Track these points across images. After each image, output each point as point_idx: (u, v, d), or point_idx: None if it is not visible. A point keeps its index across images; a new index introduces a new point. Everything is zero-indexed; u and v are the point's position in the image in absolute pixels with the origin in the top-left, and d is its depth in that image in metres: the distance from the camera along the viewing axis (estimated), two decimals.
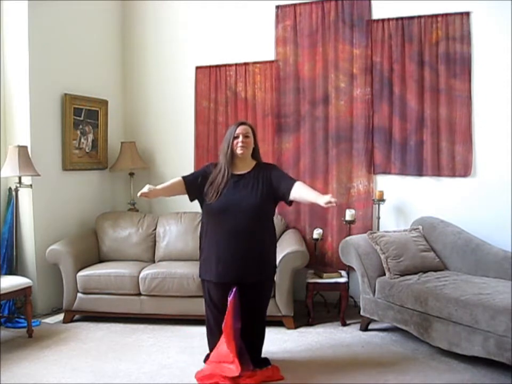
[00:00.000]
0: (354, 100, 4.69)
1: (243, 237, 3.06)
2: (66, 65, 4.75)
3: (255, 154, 3.28)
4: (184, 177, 3.25)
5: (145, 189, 3.05)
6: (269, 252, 3.24)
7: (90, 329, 4.13)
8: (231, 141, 3.17)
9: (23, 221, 4.46)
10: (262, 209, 3.12)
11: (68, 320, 4.31)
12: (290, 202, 3.21)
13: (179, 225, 4.73)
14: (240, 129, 3.18)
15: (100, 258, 4.70)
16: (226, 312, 3.05)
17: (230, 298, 3.08)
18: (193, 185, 3.21)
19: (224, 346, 3.03)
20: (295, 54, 4.83)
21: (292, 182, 3.14)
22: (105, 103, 5.16)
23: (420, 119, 4.48)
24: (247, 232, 3.06)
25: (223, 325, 3.05)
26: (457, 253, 3.97)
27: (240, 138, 3.16)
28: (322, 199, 2.90)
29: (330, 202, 2.84)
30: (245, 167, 3.22)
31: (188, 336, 3.94)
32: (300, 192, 3.09)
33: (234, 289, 3.09)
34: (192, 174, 3.32)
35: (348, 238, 4.18)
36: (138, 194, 3.04)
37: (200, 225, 3.33)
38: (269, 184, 3.15)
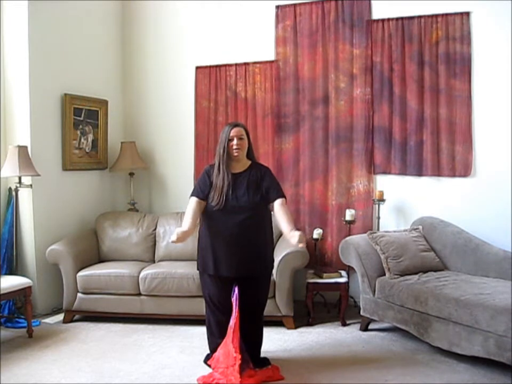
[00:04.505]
0: (354, 100, 4.68)
1: (241, 233, 3.10)
2: (66, 65, 4.75)
3: (250, 153, 3.32)
4: (198, 197, 3.21)
5: (174, 237, 2.94)
6: (266, 246, 3.27)
7: (90, 329, 4.14)
8: (226, 143, 3.20)
9: (23, 221, 4.46)
10: (258, 206, 3.17)
11: (68, 320, 4.31)
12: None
13: (179, 225, 4.70)
14: (234, 132, 3.20)
15: (100, 258, 4.70)
16: (235, 316, 3.03)
17: (233, 300, 3.08)
18: (206, 198, 3.21)
19: (231, 349, 3.02)
20: (295, 54, 4.83)
21: (276, 197, 3.20)
22: (105, 103, 5.16)
23: (420, 119, 4.48)
24: (245, 228, 3.11)
25: (232, 328, 3.02)
26: (457, 253, 3.97)
27: (235, 141, 3.19)
28: (293, 238, 2.93)
29: (299, 244, 2.90)
30: (240, 166, 3.27)
31: (188, 336, 3.94)
32: (276, 214, 3.17)
33: (236, 289, 3.10)
34: (200, 189, 3.25)
35: (347, 238, 4.18)
36: (171, 241, 2.95)
37: (199, 221, 3.34)
38: (261, 187, 3.21)
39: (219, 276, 3.16)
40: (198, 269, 3.32)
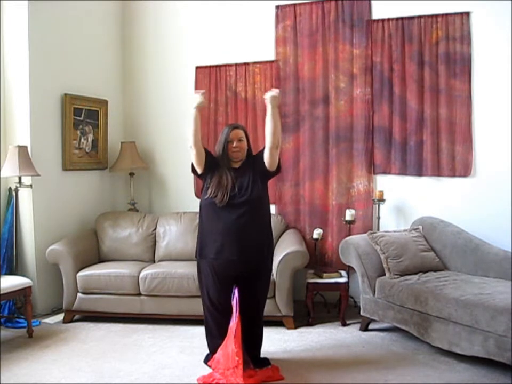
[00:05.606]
0: (354, 100, 4.68)
1: (242, 223, 3.11)
2: (66, 66, 4.75)
3: (248, 153, 3.34)
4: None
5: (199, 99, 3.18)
6: (267, 240, 3.28)
7: (90, 329, 4.14)
8: (225, 145, 3.22)
9: (23, 221, 4.46)
10: (257, 198, 3.18)
11: (68, 320, 4.31)
12: (274, 172, 3.27)
13: (179, 225, 4.73)
14: (233, 134, 3.23)
15: (100, 258, 4.70)
16: (236, 320, 3.02)
17: (233, 303, 3.07)
18: (208, 161, 3.25)
19: (231, 351, 3.01)
20: (295, 54, 4.83)
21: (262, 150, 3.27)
22: (105, 103, 5.16)
23: (420, 119, 4.48)
24: (245, 220, 3.12)
25: (233, 331, 3.01)
26: (457, 253, 3.97)
27: (234, 144, 3.22)
28: (267, 103, 3.14)
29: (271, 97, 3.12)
30: (239, 163, 3.30)
31: (188, 336, 3.94)
32: (265, 135, 3.20)
33: (236, 292, 3.09)
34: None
35: (348, 238, 4.18)
36: (196, 104, 3.15)
37: (198, 214, 3.35)
38: (255, 169, 3.23)
39: (219, 260, 3.15)
40: (196, 256, 3.30)
